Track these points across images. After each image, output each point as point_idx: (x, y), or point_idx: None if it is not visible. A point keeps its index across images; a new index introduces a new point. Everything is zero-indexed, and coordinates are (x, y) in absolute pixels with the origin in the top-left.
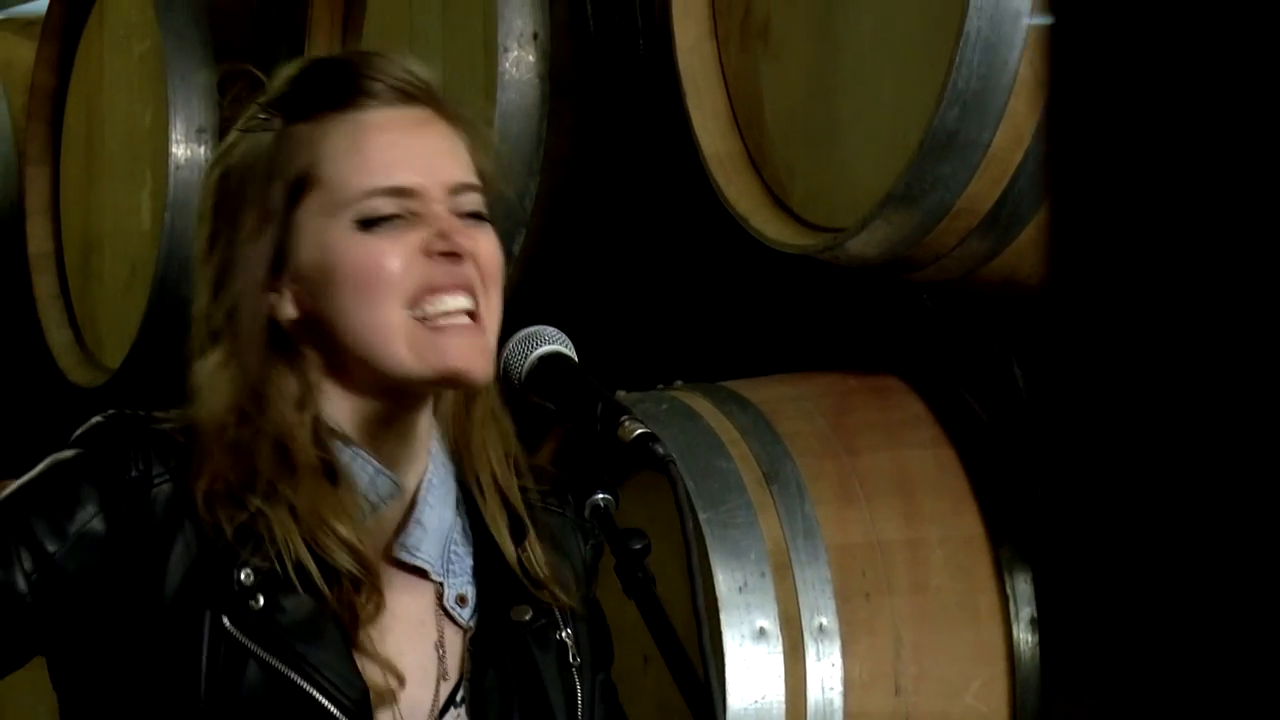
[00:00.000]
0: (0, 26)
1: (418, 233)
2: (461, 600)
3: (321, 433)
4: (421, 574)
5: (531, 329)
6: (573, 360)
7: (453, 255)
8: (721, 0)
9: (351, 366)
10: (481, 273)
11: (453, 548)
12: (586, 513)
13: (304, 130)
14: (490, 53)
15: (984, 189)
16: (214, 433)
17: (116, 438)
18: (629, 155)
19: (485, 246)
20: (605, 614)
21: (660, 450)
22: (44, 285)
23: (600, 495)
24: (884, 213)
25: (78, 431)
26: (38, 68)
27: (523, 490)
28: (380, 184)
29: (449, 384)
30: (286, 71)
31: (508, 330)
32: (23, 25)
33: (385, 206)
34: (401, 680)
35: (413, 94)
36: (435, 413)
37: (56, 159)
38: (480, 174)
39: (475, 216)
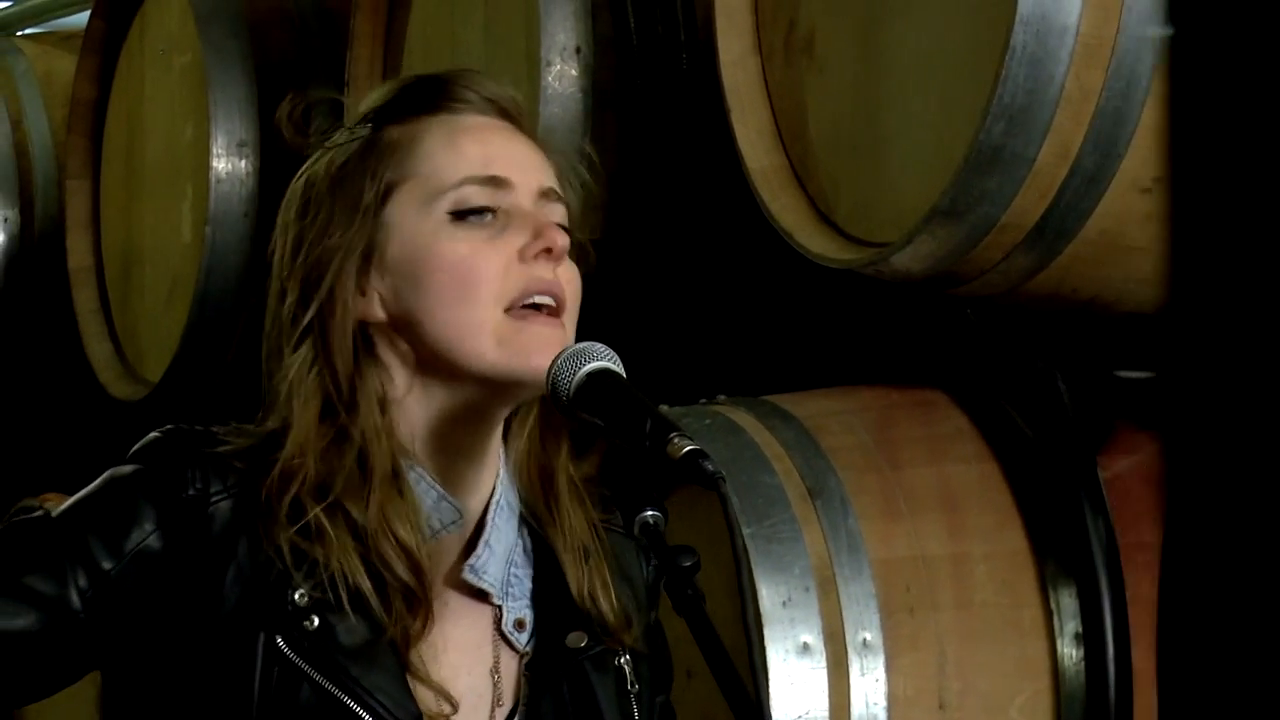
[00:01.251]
0: (40, 40)
1: (513, 234)
2: (520, 625)
3: (396, 447)
4: (482, 597)
5: (580, 345)
6: (621, 376)
7: (548, 252)
8: (766, 14)
9: (436, 367)
10: (569, 285)
11: (513, 570)
12: (636, 530)
13: (397, 132)
14: (533, 66)
15: (1030, 203)
16: (304, 435)
17: (174, 454)
18: (673, 169)
19: (571, 269)
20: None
21: (710, 467)
22: (84, 299)
23: (650, 512)
24: (929, 227)
25: (135, 447)
26: (78, 81)
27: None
28: (476, 172)
29: (531, 377)
30: (377, 90)
31: None
32: (62, 38)
33: (479, 196)
34: (455, 705)
35: (506, 108)
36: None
37: (97, 172)
38: (571, 207)
39: (566, 231)
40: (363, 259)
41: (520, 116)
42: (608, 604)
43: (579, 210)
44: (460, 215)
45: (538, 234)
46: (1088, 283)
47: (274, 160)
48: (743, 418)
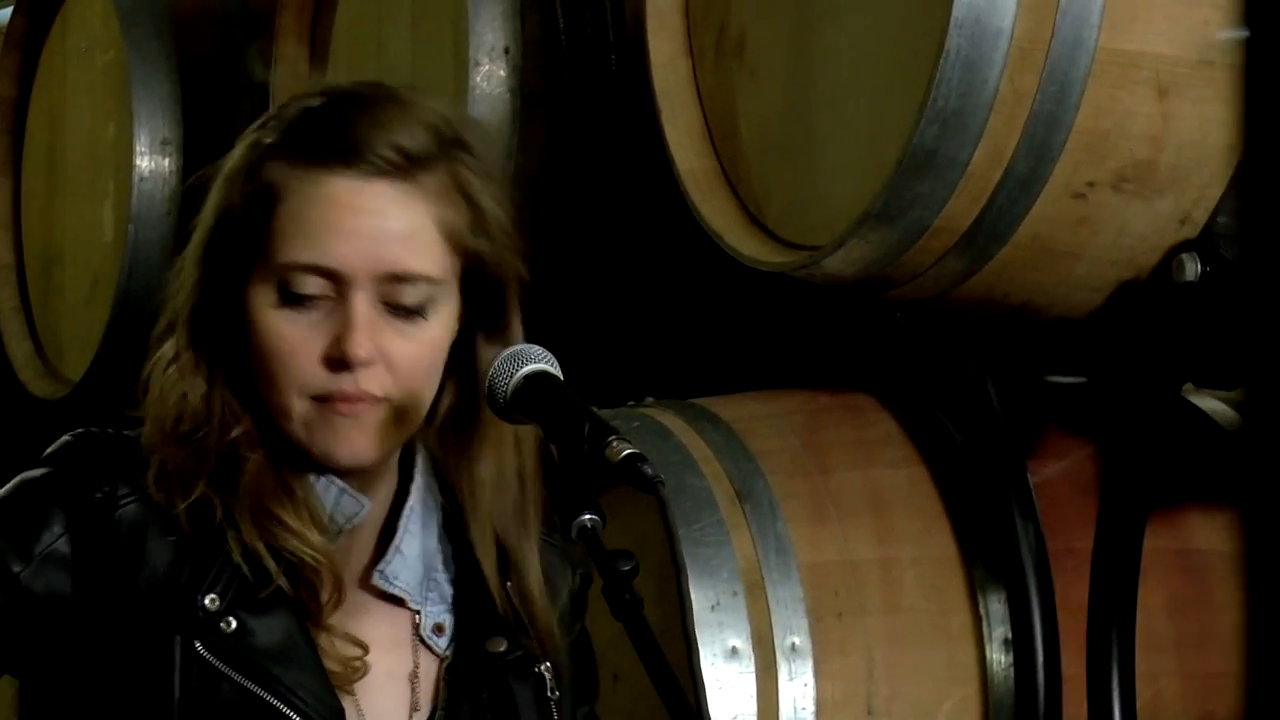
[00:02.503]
0: None
1: (330, 327)
2: (439, 629)
3: (274, 434)
4: (399, 602)
5: (517, 347)
6: (559, 379)
7: (345, 367)
8: (696, 16)
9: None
10: (397, 377)
11: (433, 575)
12: (573, 534)
13: (282, 169)
14: (461, 66)
15: (962, 207)
16: (158, 427)
17: (84, 457)
18: (602, 171)
19: (408, 348)
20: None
21: (649, 471)
22: (5, 297)
23: (588, 516)
24: (861, 231)
25: (47, 450)
26: None
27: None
28: (305, 259)
29: (338, 464)
30: (297, 100)
31: None
32: None
33: (307, 284)
34: (364, 648)
35: (386, 169)
36: (421, 437)
37: (18, 171)
38: (466, 253)
39: (411, 312)
40: (229, 273)
41: (406, 169)
42: (532, 611)
43: (497, 230)
44: (286, 296)
45: (338, 339)
46: (1019, 287)
47: (197, 159)
48: (671, 420)
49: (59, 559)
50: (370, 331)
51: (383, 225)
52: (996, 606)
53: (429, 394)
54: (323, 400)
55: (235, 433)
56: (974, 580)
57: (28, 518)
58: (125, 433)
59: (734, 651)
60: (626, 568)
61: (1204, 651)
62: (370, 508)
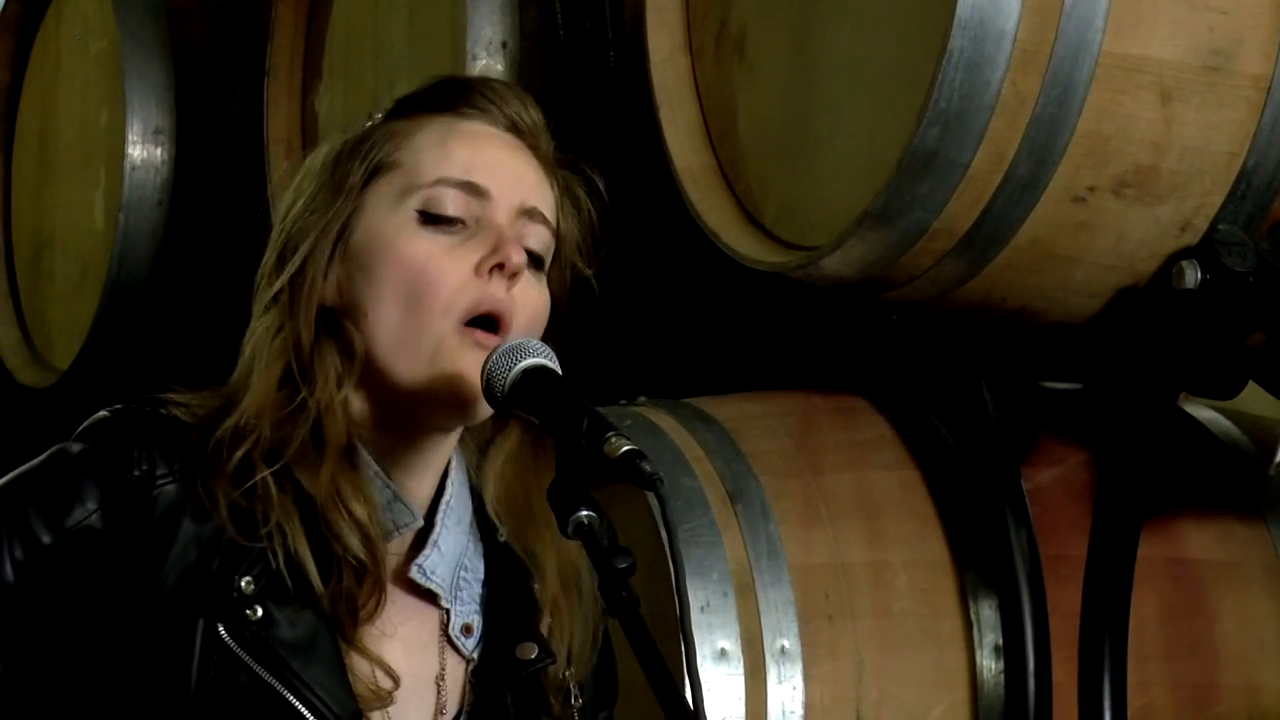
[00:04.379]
0: None
1: (475, 246)
2: (467, 630)
3: (352, 428)
4: (429, 599)
5: (516, 341)
6: (558, 374)
7: (506, 272)
8: (696, 12)
9: (373, 368)
10: (522, 316)
11: (463, 574)
12: (569, 530)
13: (400, 124)
14: (458, 60)
15: (962, 209)
16: (261, 397)
17: (123, 434)
18: (599, 167)
19: (531, 291)
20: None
21: (648, 468)
22: None
23: (585, 512)
24: (860, 231)
25: (84, 424)
26: None
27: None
28: (453, 175)
29: (451, 396)
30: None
31: None
32: None
33: (451, 202)
34: (396, 680)
35: (520, 126)
36: (463, 441)
37: (9, 157)
38: (559, 233)
39: (536, 260)
40: (336, 240)
41: (533, 135)
42: (568, 627)
43: (580, 239)
44: (428, 217)
45: (495, 249)
46: (1017, 291)
47: (190, 148)
48: (663, 419)
49: (90, 535)
50: (519, 249)
51: (522, 164)
52: (988, 612)
53: None
54: (467, 324)
55: (339, 397)
56: (965, 585)
57: (61, 490)
58: (166, 410)
59: (723, 653)
60: (624, 565)
61: (1196, 661)
62: (420, 521)
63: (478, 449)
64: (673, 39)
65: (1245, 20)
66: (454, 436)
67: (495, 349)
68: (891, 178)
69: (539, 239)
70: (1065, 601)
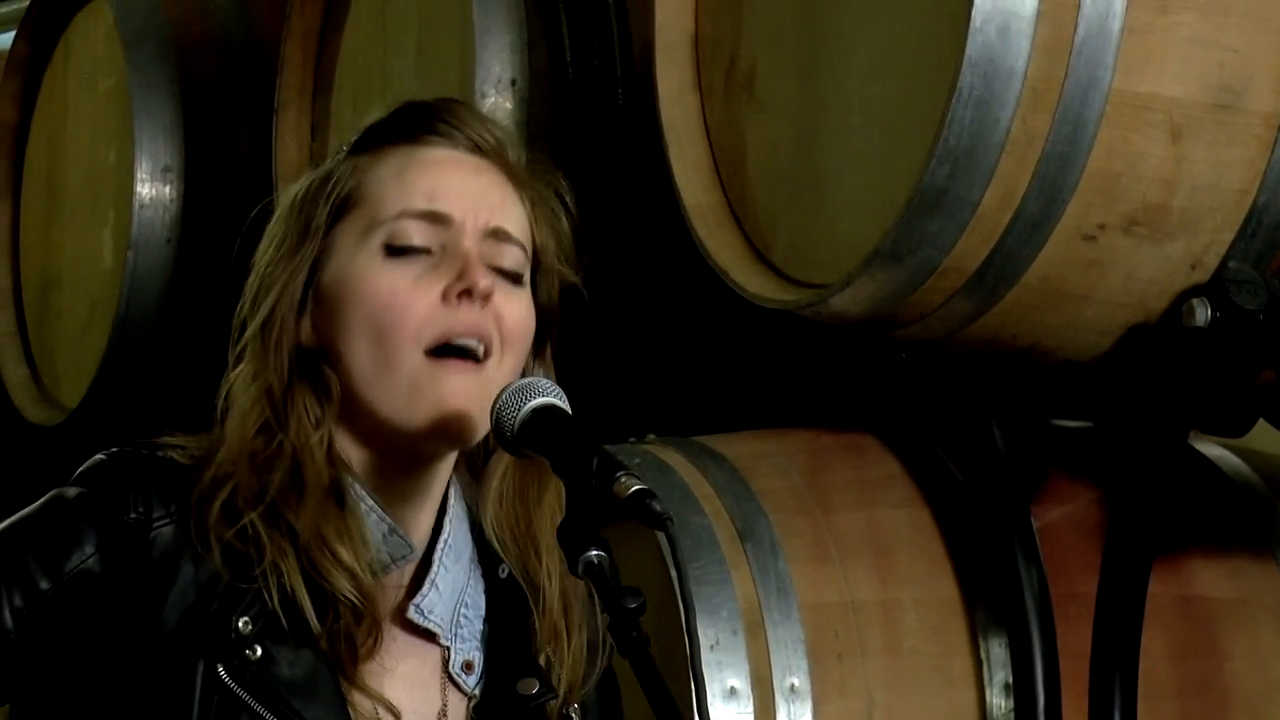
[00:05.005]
0: None
1: (442, 274)
2: (468, 667)
3: (336, 463)
4: (429, 637)
5: (525, 380)
6: (567, 413)
7: (473, 297)
8: (706, 50)
9: (356, 404)
10: (502, 331)
11: (463, 611)
12: (580, 570)
13: (363, 159)
14: (467, 98)
15: (972, 248)
16: (237, 445)
17: (119, 477)
18: (608, 205)
19: (513, 306)
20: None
21: (658, 508)
22: (1, 322)
23: (595, 552)
24: (869, 270)
25: (81, 468)
26: (0, 102)
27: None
28: (415, 206)
29: (439, 427)
30: (373, 114)
31: None
32: None
33: (415, 233)
34: (397, 717)
35: (482, 146)
36: (461, 474)
37: (17, 195)
38: (536, 245)
39: (511, 276)
40: (306, 282)
41: (497, 154)
42: (568, 656)
43: (561, 248)
44: (394, 250)
45: (461, 274)
46: (1027, 329)
47: (198, 186)
48: (673, 458)
49: (89, 578)
50: (486, 272)
51: (486, 185)
52: (998, 650)
53: (513, 374)
54: (436, 353)
55: (305, 438)
56: (976, 623)
57: (59, 535)
58: (163, 454)
59: (733, 691)
60: (634, 605)
61: (1206, 699)
62: (419, 552)
63: (471, 476)
64: (682, 77)
65: (1255, 58)
66: (448, 465)
67: (506, 388)
68: (901, 216)
69: (511, 258)
70: (1075, 640)
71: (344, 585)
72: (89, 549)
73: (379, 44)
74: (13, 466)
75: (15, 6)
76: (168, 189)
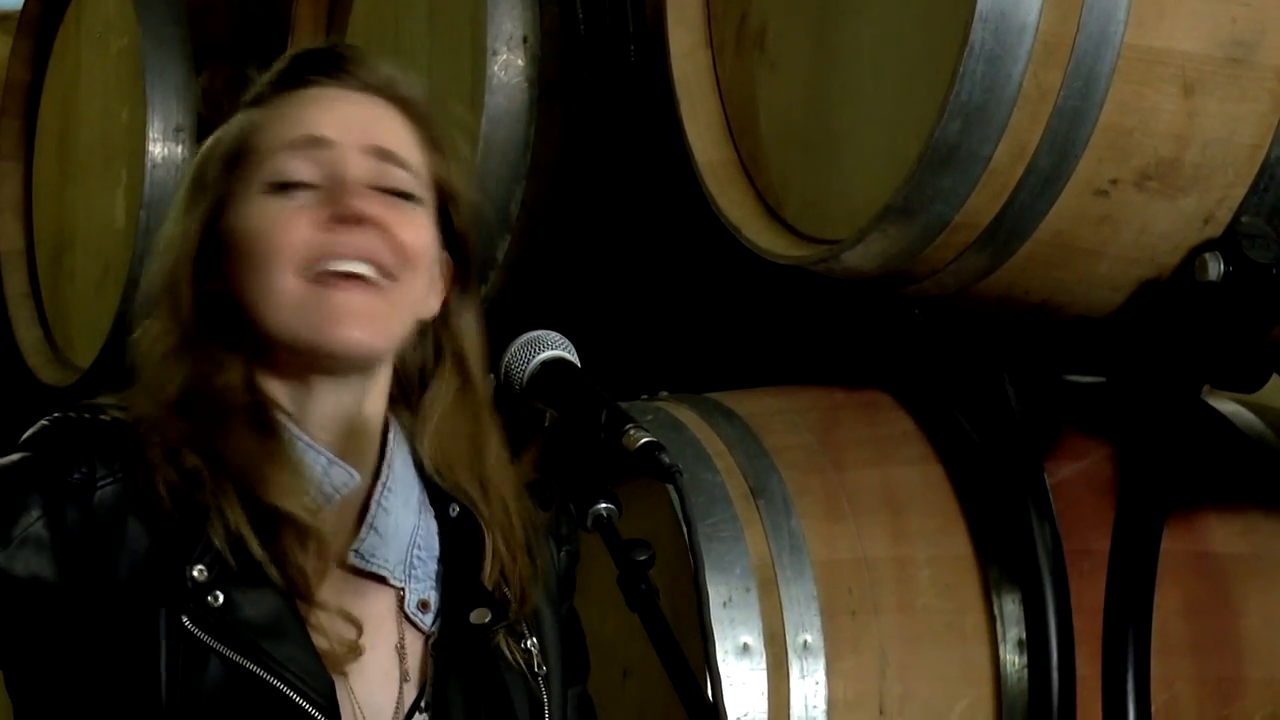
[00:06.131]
0: None
1: (325, 204)
2: (424, 606)
3: (262, 401)
4: (382, 581)
5: (534, 334)
6: (576, 366)
7: (351, 220)
8: (717, 7)
9: (260, 339)
10: (395, 250)
11: (416, 553)
12: (589, 522)
13: (255, 111)
14: (478, 56)
15: (984, 203)
16: (150, 397)
17: (60, 440)
18: (619, 162)
19: (406, 225)
20: (583, 627)
21: (667, 460)
22: (14, 283)
23: (603, 504)
24: (881, 225)
25: (23, 435)
26: (12, 63)
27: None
28: (293, 136)
29: (332, 349)
30: (271, 68)
31: (506, 338)
32: None
33: (297, 167)
34: (358, 626)
35: (370, 82)
36: (394, 406)
37: (30, 156)
38: (437, 175)
39: (403, 195)
40: (202, 232)
41: (388, 88)
42: (519, 592)
43: (464, 173)
44: (276, 187)
45: (339, 200)
46: (1040, 285)
47: None
48: (685, 414)
49: (37, 541)
50: (367, 195)
51: (370, 113)
52: (1011, 607)
53: (424, 295)
54: (318, 277)
55: (223, 378)
56: (989, 580)
57: (3, 503)
58: (106, 415)
59: (745, 648)
60: (642, 558)
61: (1220, 655)
62: (360, 479)
63: (430, 413)
64: (693, 34)
65: (1268, 12)
66: (375, 394)
67: (515, 340)
68: (913, 171)
69: (400, 178)
70: (1089, 596)
71: (283, 502)
72: (35, 513)
73: (390, 2)
74: (27, 428)
75: None
76: (180, 149)
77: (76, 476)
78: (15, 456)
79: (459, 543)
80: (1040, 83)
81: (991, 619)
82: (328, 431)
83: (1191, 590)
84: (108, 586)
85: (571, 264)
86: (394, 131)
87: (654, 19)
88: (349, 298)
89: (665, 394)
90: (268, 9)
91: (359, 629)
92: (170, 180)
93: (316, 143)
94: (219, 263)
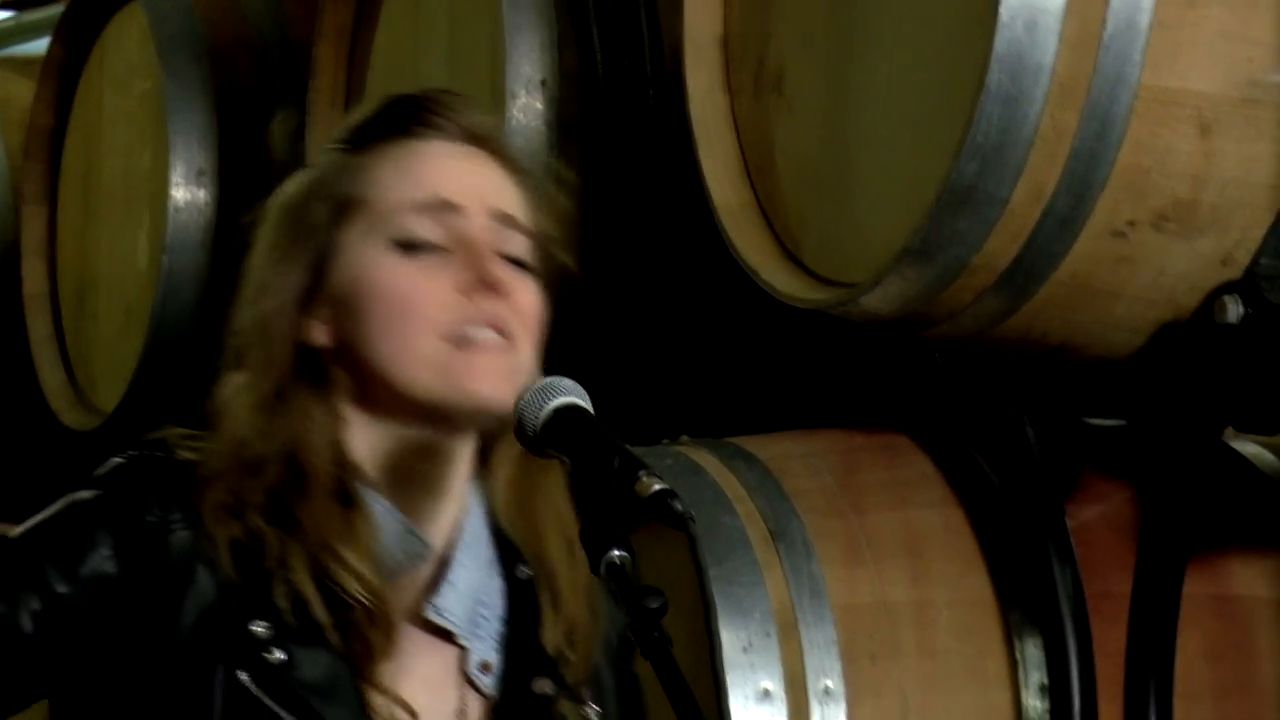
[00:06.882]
0: None
1: (455, 266)
2: (485, 667)
3: (346, 467)
4: (447, 636)
5: (547, 380)
6: (589, 413)
7: (489, 287)
8: (735, 49)
9: (377, 396)
10: (519, 316)
11: (480, 610)
12: (602, 570)
13: (359, 158)
14: (498, 98)
15: (1001, 245)
16: (230, 450)
17: (135, 480)
18: (638, 204)
19: (525, 295)
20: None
21: (679, 507)
22: (38, 326)
23: (617, 552)
24: (898, 268)
25: (97, 471)
26: (36, 106)
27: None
28: (422, 197)
29: (472, 405)
30: (356, 111)
31: None
32: (22, 64)
33: (425, 228)
34: (415, 716)
35: (476, 134)
36: (475, 471)
37: (54, 199)
38: (540, 240)
39: (520, 264)
40: (309, 281)
41: (492, 141)
42: (582, 653)
43: (557, 233)
44: (404, 246)
45: (477, 268)
46: (1058, 327)
47: (233, 189)
48: (705, 458)
49: (105, 582)
50: (496, 261)
51: (483, 173)
52: (1033, 651)
53: (536, 364)
54: (458, 341)
55: (312, 438)
56: (1010, 624)
57: (75, 539)
58: (179, 456)
59: (766, 694)
60: (655, 605)
61: (1242, 699)
62: (435, 549)
63: (509, 473)
64: (711, 76)
65: None
66: (465, 459)
67: (528, 387)
68: (930, 213)
69: (518, 244)
70: (1111, 640)
71: (353, 586)
72: (105, 552)
73: (410, 45)
74: (49, 471)
75: (51, 11)
76: (202, 192)
77: (150, 519)
78: (88, 493)
79: (525, 605)
80: (1057, 124)
81: (1013, 663)
82: (413, 492)
83: (1214, 634)
84: (171, 633)
85: (590, 307)
86: (509, 193)
87: (672, 61)
88: (488, 359)
89: (685, 438)
90: (289, 51)
91: (414, 717)
92: (193, 223)
93: (445, 206)
94: (324, 314)
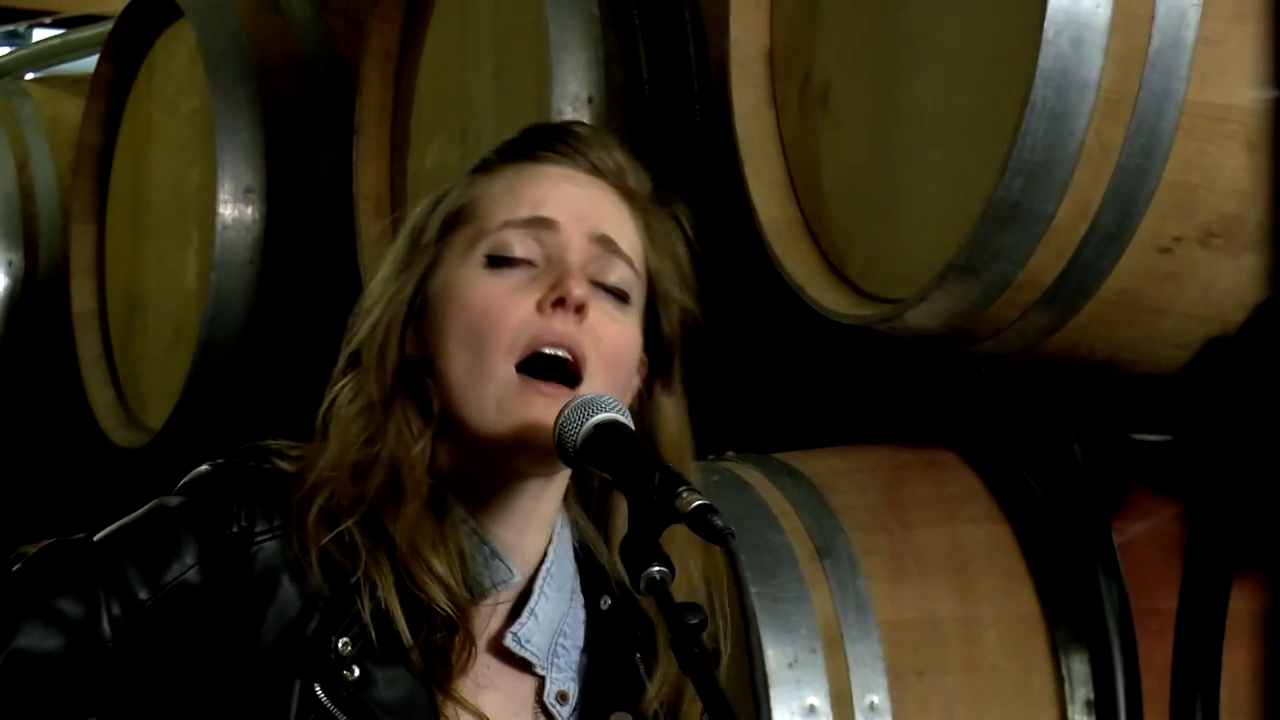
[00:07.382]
0: (48, 83)
1: (541, 283)
2: (563, 697)
3: (437, 478)
4: (525, 667)
5: (587, 396)
6: (629, 429)
7: (569, 305)
8: (780, 66)
9: (451, 415)
10: (597, 346)
11: (561, 640)
12: (642, 585)
13: (481, 177)
14: (544, 115)
15: (1047, 261)
16: (336, 457)
17: (223, 489)
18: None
19: (610, 325)
20: None
21: (719, 523)
22: (87, 345)
23: (656, 568)
24: (944, 284)
25: (186, 478)
26: (85, 125)
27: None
28: (519, 214)
29: (521, 444)
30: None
31: None
32: (70, 83)
33: (518, 243)
34: None
35: (600, 167)
36: (566, 499)
37: (102, 217)
38: (651, 270)
39: (616, 294)
40: (413, 295)
41: (617, 175)
42: (660, 678)
43: (682, 277)
44: (495, 261)
45: (560, 285)
46: (1104, 343)
47: (281, 207)
48: (751, 475)
49: (188, 590)
50: (585, 284)
51: (597, 198)
52: (1079, 667)
53: (618, 395)
54: (528, 366)
55: (411, 448)
56: (1056, 640)
57: (159, 545)
58: (273, 466)
59: (812, 709)
60: (695, 621)
61: None
62: (520, 577)
63: (583, 506)
64: (757, 93)
65: None
66: (550, 489)
67: (568, 403)
68: (975, 229)
69: (617, 273)
70: (1157, 656)
71: (439, 596)
72: (189, 560)
73: (457, 63)
74: (99, 489)
75: (99, 30)
76: (250, 210)
77: (235, 530)
78: (174, 501)
79: (607, 637)
80: (1103, 140)
81: (1059, 679)
82: (497, 517)
83: (1260, 650)
84: (251, 645)
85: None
86: (616, 221)
87: (718, 78)
88: (544, 401)
89: (731, 454)
90: (336, 69)
91: None
92: (241, 241)
93: (542, 223)
94: (421, 326)
